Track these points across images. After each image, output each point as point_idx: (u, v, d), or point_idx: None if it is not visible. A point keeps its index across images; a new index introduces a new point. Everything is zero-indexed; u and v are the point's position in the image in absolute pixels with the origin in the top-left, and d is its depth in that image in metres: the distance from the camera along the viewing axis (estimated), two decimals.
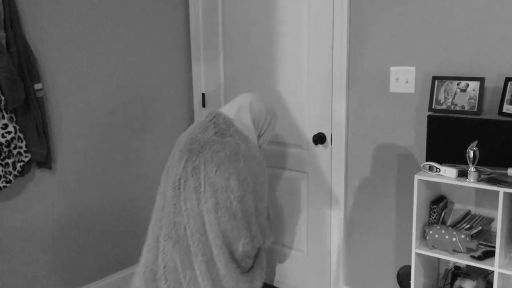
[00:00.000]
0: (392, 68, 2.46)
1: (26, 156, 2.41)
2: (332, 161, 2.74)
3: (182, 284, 1.93)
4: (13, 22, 2.32)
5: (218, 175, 1.90)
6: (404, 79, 2.42)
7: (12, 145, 2.35)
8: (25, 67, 2.37)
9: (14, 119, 2.36)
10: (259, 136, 2.18)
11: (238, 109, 2.13)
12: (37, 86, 2.45)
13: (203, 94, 3.33)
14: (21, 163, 2.40)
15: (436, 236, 2.07)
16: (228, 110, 2.13)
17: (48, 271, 2.67)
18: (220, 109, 2.16)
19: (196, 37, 3.27)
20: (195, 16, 3.24)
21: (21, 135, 2.39)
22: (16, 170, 2.38)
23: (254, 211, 2.02)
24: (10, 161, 2.34)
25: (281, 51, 2.87)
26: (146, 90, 3.07)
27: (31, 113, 2.42)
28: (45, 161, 2.52)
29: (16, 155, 2.37)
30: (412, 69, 2.39)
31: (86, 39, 2.72)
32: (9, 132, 2.32)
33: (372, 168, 2.62)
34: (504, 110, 2.04)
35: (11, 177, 2.35)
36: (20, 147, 2.39)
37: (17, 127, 2.37)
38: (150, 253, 2.04)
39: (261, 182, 2.04)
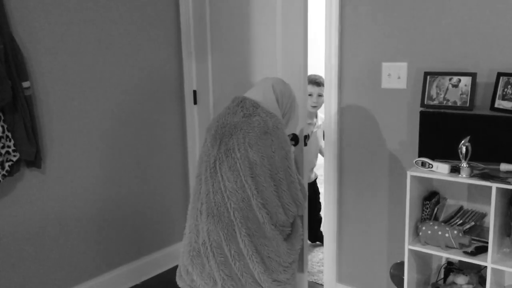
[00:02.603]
0: (384, 64, 2.45)
1: (14, 156, 2.38)
2: (324, 157, 2.73)
3: (227, 257, 2.06)
4: None
5: (252, 153, 2.06)
6: (396, 75, 2.42)
7: (0, 144, 2.31)
8: (12, 65, 2.33)
9: (2, 118, 2.32)
10: (283, 115, 2.32)
11: (263, 91, 2.27)
12: (25, 84, 2.41)
13: (194, 91, 3.30)
14: (10, 163, 2.36)
15: (429, 232, 2.06)
16: (254, 94, 2.26)
17: (37, 271, 2.64)
18: (245, 94, 2.27)
19: (187, 34, 3.24)
20: (186, 13, 3.22)
21: (9, 134, 2.35)
22: (5, 169, 2.34)
23: (286, 182, 2.15)
24: None
25: (272, 47, 2.85)
26: (136, 87, 3.04)
27: (19, 112, 2.38)
28: (34, 160, 2.49)
29: (4, 154, 2.34)
30: (404, 64, 2.38)
31: (76, 36, 2.69)
32: None
33: (364, 164, 2.61)
34: (496, 105, 2.04)
35: None
36: (9, 146, 2.35)
37: (5, 126, 2.34)
38: (192, 233, 2.16)
39: (287, 155, 2.18)
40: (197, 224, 2.15)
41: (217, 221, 2.07)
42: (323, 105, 3.02)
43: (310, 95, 3.36)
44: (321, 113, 3.50)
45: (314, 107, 3.41)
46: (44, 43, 2.55)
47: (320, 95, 3.39)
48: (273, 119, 2.14)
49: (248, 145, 2.06)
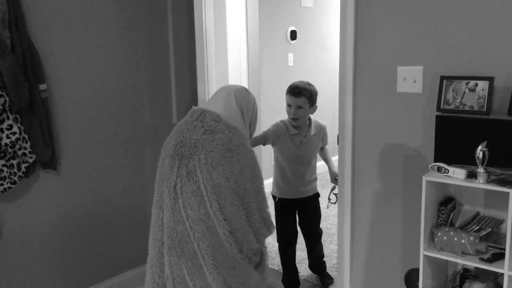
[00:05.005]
0: (399, 68, 2.43)
1: (31, 157, 2.41)
2: (338, 162, 2.72)
3: None
4: (17, 22, 2.31)
5: (216, 175, 1.83)
6: (411, 79, 2.39)
7: (17, 146, 2.34)
8: (29, 67, 2.37)
9: (19, 120, 2.36)
10: (249, 125, 2.11)
11: (224, 102, 2.03)
12: (42, 86, 2.44)
13: (208, 93, 3.31)
14: (26, 164, 2.39)
15: (445, 238, 2.04)
16: (215, 105, 2.02)
17: (52, 271, 2.66)
18: (204, 106, 2.05)
19: (200, 35, 3.25)
20: (199, 14, 3.23)
21: (26, 136, 2.38)
22: (21, 171, 2.37)
23: (256, 204, 1.94)
24: (15, 162, 2.33)
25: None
26: (151, 90, 3.06)
27: (36, 114, 2.41)
28: (49, 162, 2.52)
29: (21, 156, 2.36)
30: (420, 68, 2.36)
31: (91, 39, 2.71)
32: (14, 133, 2.32)
33: (379, 169, 2.59)
34: None
35: (15, 178, 2.34)
36: (25, 148, 2.38)
37: (22, 128, 2.37)
38: (154, 268, 1.95)
39: (256, 173, 1.96)
40: (160, 257, 1.94)
41: (180, 254, 1.85)
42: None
43: (289, 105, 2.84)
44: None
45: (295, 119, 2.83)
46: (60, 46, 2.58)
47: (299, 107, 2.80)
48: (237, 134, 1.92)
49: (211, 166, 1.83)
